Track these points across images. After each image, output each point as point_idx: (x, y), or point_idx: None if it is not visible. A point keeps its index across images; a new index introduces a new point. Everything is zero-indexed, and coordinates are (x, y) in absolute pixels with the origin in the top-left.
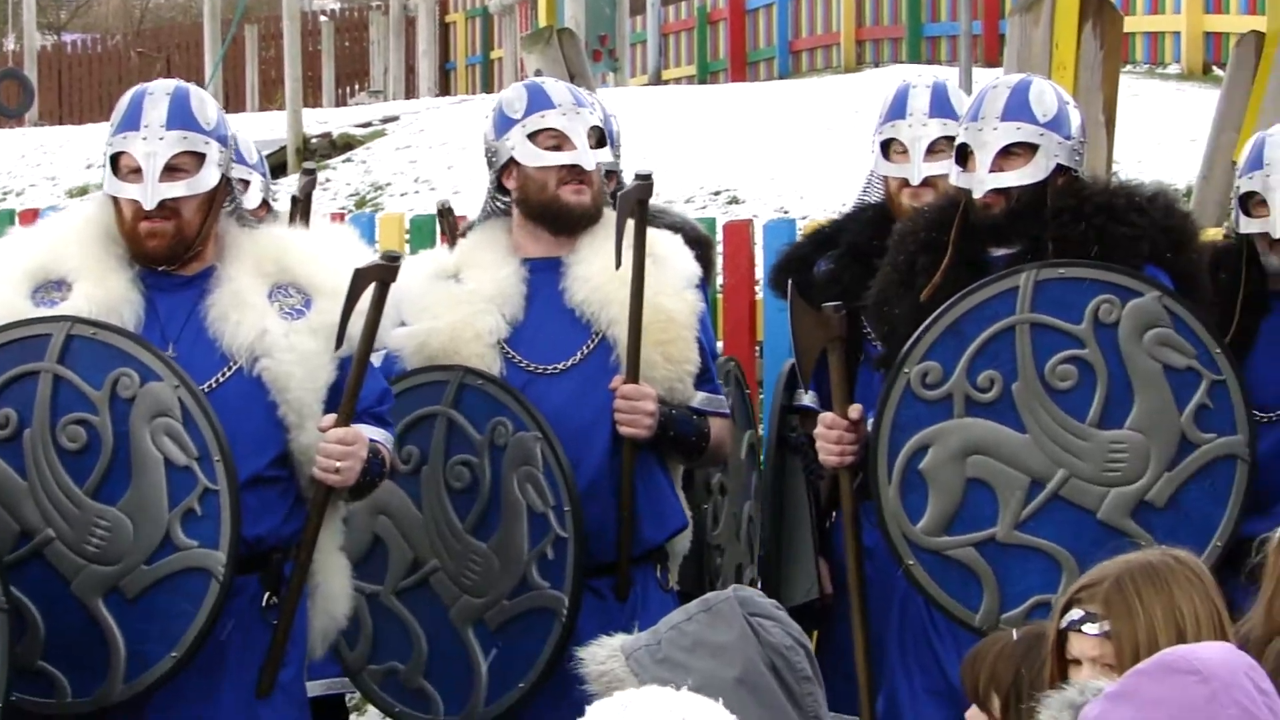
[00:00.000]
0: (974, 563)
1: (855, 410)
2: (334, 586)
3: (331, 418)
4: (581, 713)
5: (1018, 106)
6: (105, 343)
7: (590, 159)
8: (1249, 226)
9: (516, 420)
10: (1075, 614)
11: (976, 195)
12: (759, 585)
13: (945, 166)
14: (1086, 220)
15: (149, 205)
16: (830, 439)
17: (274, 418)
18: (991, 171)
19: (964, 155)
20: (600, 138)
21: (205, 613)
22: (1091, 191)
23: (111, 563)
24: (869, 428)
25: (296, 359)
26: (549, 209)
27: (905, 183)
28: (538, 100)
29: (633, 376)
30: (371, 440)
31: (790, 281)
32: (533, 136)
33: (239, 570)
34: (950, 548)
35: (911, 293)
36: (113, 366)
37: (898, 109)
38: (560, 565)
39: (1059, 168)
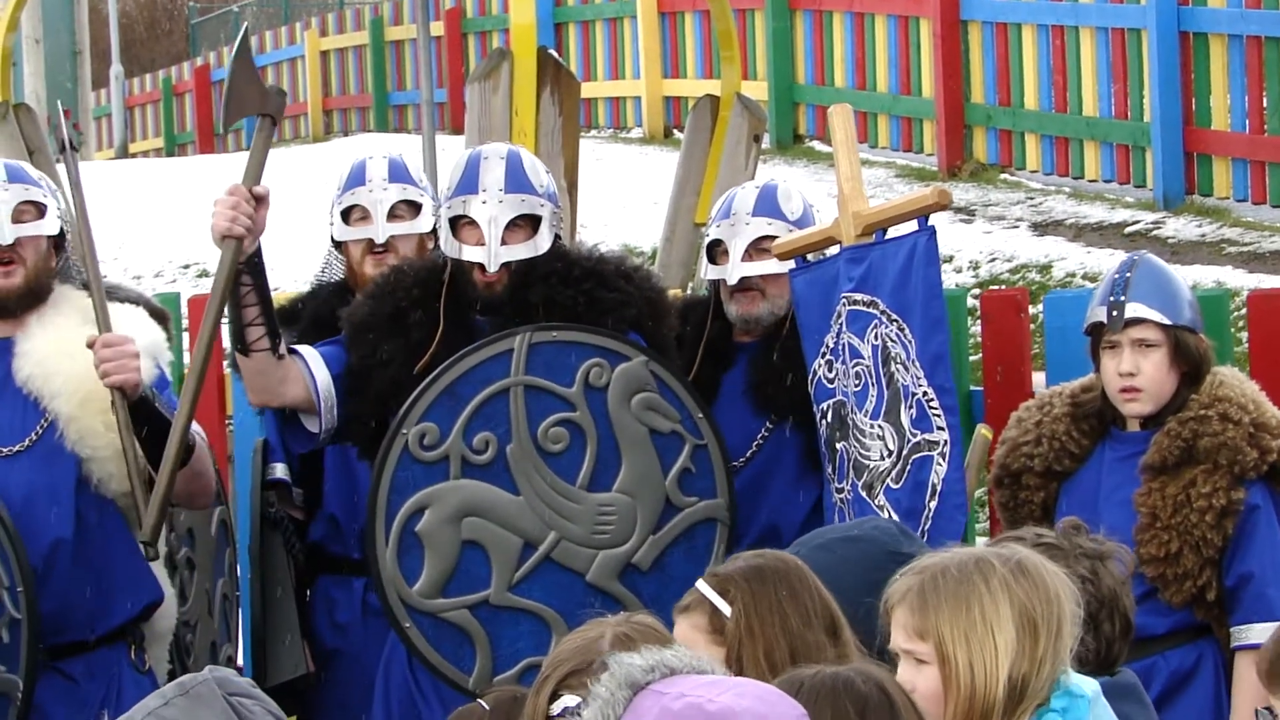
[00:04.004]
0: (467, 625)
1: (262, 188)
2: None
3: None
4: None
5: (517, 180)
6: None
7: (8, 234)
8: (713, 273)
9: None
10: (570, 700)
11: (491, 269)
12: (242, 663)
13: (407, 227)
14: (575, 285)
15: None
16: (226, 204)
17: None
18: (504, 245)
19: (455, 226)
20: (40, 212)
21: None
22: (578, 257)
23: None
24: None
25: None
26: None
27: (368, 247)
28: None
29: (105, 328)
30: None
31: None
32: None
33: None
34: (445, 610)
35: (399, 339)
36: None
37: (357, 177)
38: (15, 647)
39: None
